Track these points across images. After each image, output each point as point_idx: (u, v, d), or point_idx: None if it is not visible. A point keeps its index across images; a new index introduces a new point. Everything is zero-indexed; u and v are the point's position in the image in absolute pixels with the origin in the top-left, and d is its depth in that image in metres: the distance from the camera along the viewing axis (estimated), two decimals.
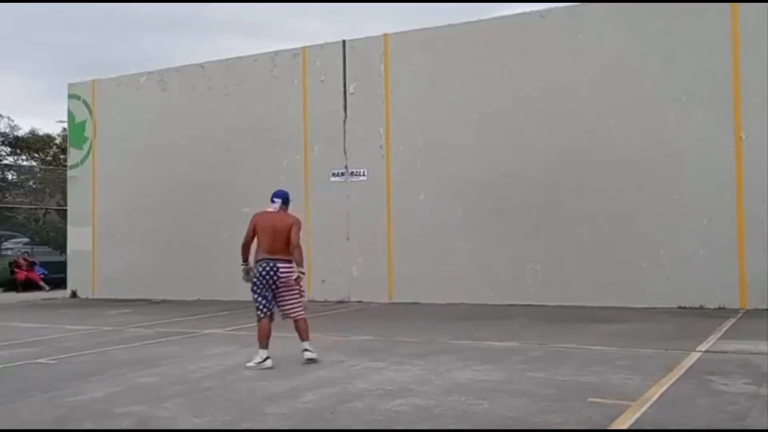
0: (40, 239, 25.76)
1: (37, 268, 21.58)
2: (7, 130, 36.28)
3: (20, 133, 36.71)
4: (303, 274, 7.83)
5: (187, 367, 7.75)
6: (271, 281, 7.70)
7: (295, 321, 7.87)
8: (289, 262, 7.75)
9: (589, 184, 13.26)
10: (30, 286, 20.68)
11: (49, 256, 23.86)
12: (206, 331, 10.69)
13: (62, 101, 19.21)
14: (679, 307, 12.19)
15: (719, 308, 11.92)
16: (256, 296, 7.76)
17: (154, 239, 17.44)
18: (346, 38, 15.54)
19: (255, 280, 7.75)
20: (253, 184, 15.82)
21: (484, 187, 14.04)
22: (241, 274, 7.99)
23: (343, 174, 15.38)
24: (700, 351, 8.01)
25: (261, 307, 7.74)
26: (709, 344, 8.49)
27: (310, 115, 15.76)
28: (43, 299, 18.28)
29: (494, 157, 13.99)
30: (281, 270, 7.69)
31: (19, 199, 30.22)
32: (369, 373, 7.15)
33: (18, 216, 27.61)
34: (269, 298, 7.75)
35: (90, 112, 18.60)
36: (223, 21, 70.36)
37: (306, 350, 7.81)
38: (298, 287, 7.85)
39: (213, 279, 16.17)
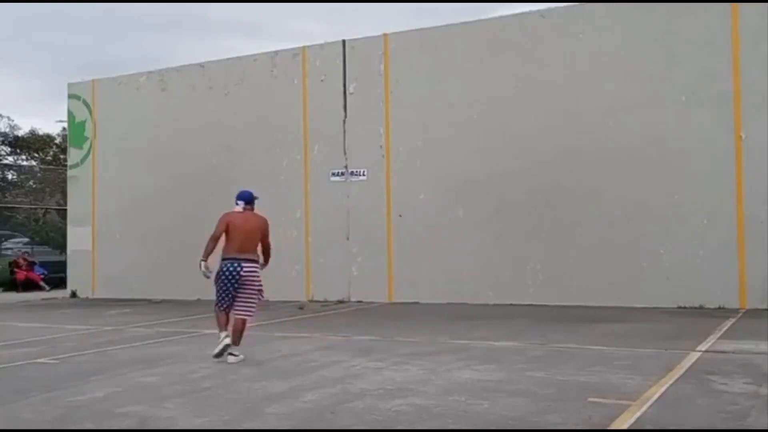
0: (40, 239, 25.75)
1: (36, 268, 21.57)
2: (7, 130, 36.32)
3: (20, 132, 36.76)
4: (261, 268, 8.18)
5: (188, 367, 7.76)
6: (234, 280, 8.05)
7: (238, 320, 8.09)
8: (254, 261, 8.11)
9: (589, 184, 13.26)
10: (30, 286, 20.68)
11: (49, 255, 23.83)
12: (206, 331, 10.68)
13: (62, 101, 19.23)
14: (679, 307, 12.19)
15: (719, 308, 11.93)
16: (219, 291, 8.17)
17: (154, 239, 17.44)
18: (345, 38, 15.55)
19: (222, 276, 8.10)
20: (253, 184, 15.64)
21: (484, 187, 14.04)
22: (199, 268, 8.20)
23: (343, 174, 15.39)
24: (700, 351, 8.01)
25: (220, 301, 8.17)
26: (709, 344, 8.49)
27: (310, 115, 15.76)
28: (43, 299, 18.28)
29: (494, 157, 13.99)
30: (245, 269, 8.03)
31: (19, 199, 30.22)
32: (369, 373, 7.15)
33: (18, 216, 27.60)
34: (230, 295, 8.11)
35: (90, 111, 18.60)
36: (223, 21, 70.35)
37: (231, 354, 7.92)
38: (257, 289, 8.11)
39: (213, 279, 16.13)
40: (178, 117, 17.33)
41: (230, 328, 8.08)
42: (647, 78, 12.90)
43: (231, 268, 8.06)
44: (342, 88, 15.46)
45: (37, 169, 35.31)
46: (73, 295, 18.43)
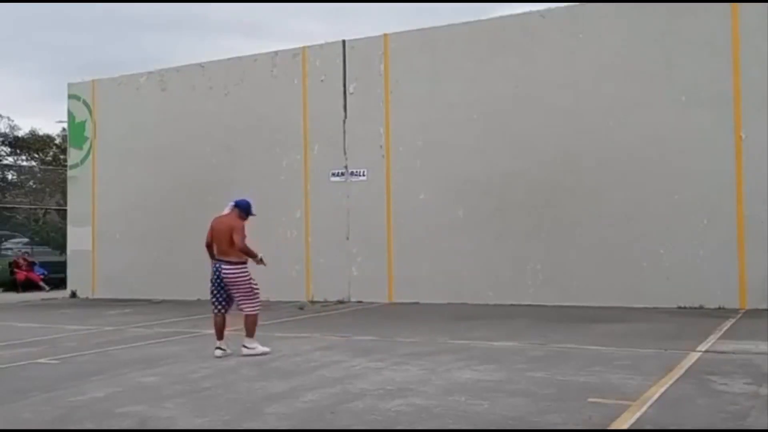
0: (40, 239, 25.76)
1: (36, 268, 21.57)
2: (7, 131, 36.34)
3: (20, 133, 36.79)
4: (260, 261, 8.39)
5: (188, 367, 7.76)
6: (218, 281, 8.37)
7: (245, 316, 8.35)
8: (233, 263, 8.27)
9: (589, 183, 13.26)
10: (30, 286, 20.67)
11: (49, 256, 23.84)
12: (206, 331, 10.67)
13: (62, 101, 19.23)
14: (679, 307, 12.19)
15: (719, 308, 11.93)
16: (210, 295, 8.51)
17: (154, 239, 17.44)
18: (345, 38, 15.56)
19: (211, 278, 8.46)
20: (253, 184, 15.82)
21: (484, 187, 14.04)
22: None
23: (343, 174, 15.39)
24: (700, 351, 8.01)
25: (211, 302, 8.50)
26: (709, 344, 8.49)
27: (310, 115, 15.77)
28: (43, 299, 18.28)
29: (494, 157, 13.99)
30: (224, 270, 8.28)
31: (19, 199, 30.23)
32: (369, 373, 7.15)
33: (18, 216, 27.61)
34: (220, 297, 8.41)
35: (90, 112, 18.60)
36: (223, 21, 70.38)
37: (244, 346, 8.30)
38: (246, 287, 8.27)
39: None
40: (178, 117, 17.33)
41: (228, 332, 8.41)
42: (647, 78, 12.90)
43: (214, 269, 8.40)
44: (342, 88, 15.46)
45: (37, 169, 35.33)
46: (73, 295, 18.43)
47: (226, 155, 16.66)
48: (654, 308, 12.20)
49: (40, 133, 37.14)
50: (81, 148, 18.71)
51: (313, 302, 14.97)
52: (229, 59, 16.92)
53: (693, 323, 10.47)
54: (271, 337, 9.67)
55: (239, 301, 8.36)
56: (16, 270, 21.15)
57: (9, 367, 8.13)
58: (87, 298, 18.05)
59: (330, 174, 15.48)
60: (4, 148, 36.68)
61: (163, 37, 67.09)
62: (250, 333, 8.37)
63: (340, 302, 14.84)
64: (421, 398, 6.02)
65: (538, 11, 13.98)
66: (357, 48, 15.41)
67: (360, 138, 15.23)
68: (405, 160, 14.81)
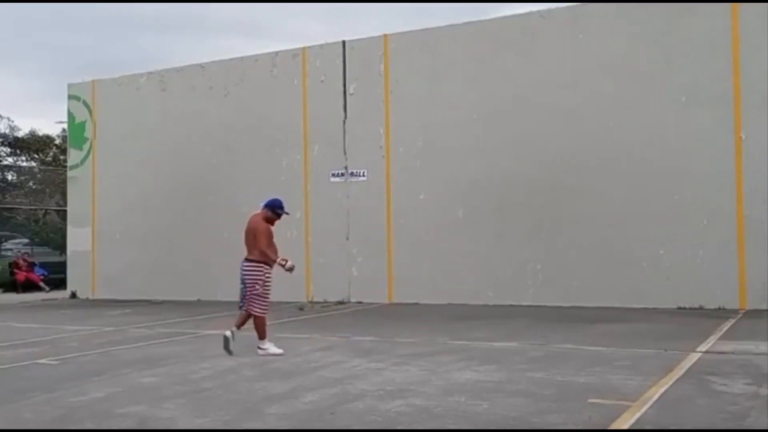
0: (40, 240, 25.76)
1: (36, 268, 21.56)
2: (7, 131, 36.34)
3: (20, 133, 36.80)
4: (282, 265, 8.42)
5: (188, 368, 7.76)
6: (240, 278, 8.57)
7: (253, 317, 8.51)
8: (250, 261, 8.47)
9: (589, 184, 13.26)
10: (30, 286, 20.67)
11: (49, 256, 23.85)
12: (207, 332, 10.69)
13: (62, 102, 19.24)
14: (679, 308, 12.19)
15: (719, 309, 11.93)
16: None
17: (154, 239, 17.44)
18: (345, 39, 15.56)
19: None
20: (253, 184, 15.84)
21: (484, 188, 14.04)
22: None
23: (343, 174, 15.39)
24: (700, 351, 8.01)
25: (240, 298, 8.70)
26: (709, 345, 8.49)
27: (310, 115, 15.77)
28: (43, 300, 18.28)
29: (494, 157, 13.99)
30: (242, 266, 8.54)
31: (18, 200, 30.25)
32: (369, 374, 7.15)
33: (18, 217, 27.61)
34: (241, 292, 8.60)
35: (90, 112, 18.60)
36: (223, 21, 70.38)
37: (258, 347, 8.47)
38: (255, 286, 8.40)
39: (214, 279, 16.17)
40: (179, 117, 17.34)
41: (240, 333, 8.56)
42: (647, 78, 12.90)
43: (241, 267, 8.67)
44: (342, 89, 15.46)
45: (37, 170, 35.35)
46: (73, 295, 18.43)
47: (226, 155, 16.67)
48: (654, 309, 12.20)
49: (40, 133, 37.17)
50: (81, 149, 18.71)
51: (313, 303, 14.96)
52: (229, 59, 16.93)
53: (693, 324, 10.47)
54: (271, 338, 9.66)
55: (248, 299, 8.47)
56: (16, 271, 21.15)
57: (10, 368, 8.13)
58: (87, 299, 18.05)
59: (330, 174, 15.48)
60: (4, 149, 36.69)
61: (163, 37, 67.11)
62: (260, 335, 8.50)
63: (340, 303, 14.83)
64: (421, 399, 6.02)
65: (539, 12, 13.98)
66: (357, 48, 15.41)
67: (360, 138, 15.23)
68: (405, 161, 14.81)
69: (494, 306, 13.37)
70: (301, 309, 13.90)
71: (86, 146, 18.62)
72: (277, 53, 16.32)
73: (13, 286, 20.82)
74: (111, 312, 14.39)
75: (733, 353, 7.87)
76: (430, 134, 14.56)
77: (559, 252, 13.44)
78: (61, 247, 21.79)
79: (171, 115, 17.45)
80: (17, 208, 28.09)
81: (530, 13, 14.06)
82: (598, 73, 13.29)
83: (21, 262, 21.46)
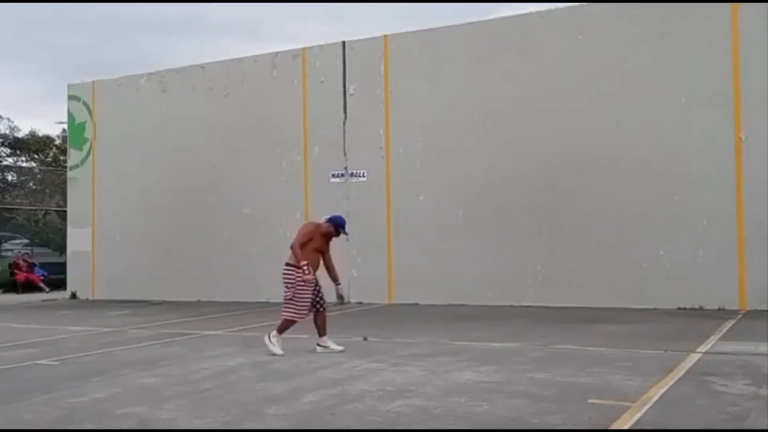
0: (40, 240, 25.77)
1: (36, 269, 21.57)
2: (7, 132, 36.35)
3: (20, 134, 36.82)
4: (305, 273, 8.33)
5: (188, 368, 7.75)
6: None
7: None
8: (288, 264, 8.39)
9: (589, 184, 13.26)
10: (30, 287, 20.67)
11: (49, 257, 23.86)
12: (207, 333, 10.69)
13: (62, 102, 19.25)
14: (679, 308, 12.19)
15: (719, 309, 11.92)
16: None
17: (154, 240, 17.44)
18: (345, 39, 15.57)
19: None
20: (253, 184, 15.84)
21: (484, 188, 14.04)
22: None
23: (342, 175, 15.39)
24: (700, 352, 8.00)
25: None
26: (709, 345, 8.49)
27: (310, 116, 15.77)
28: (43, 300, 18.28)
29: (494, 158, 13.99)
30: (283, 269, 8.42)
31: (18, 201, 30.27)
32: (369, 374, 7.15)
33: (18, 217, 27.63)
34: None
35: (90, 113, 18.61)
36: (223, 22, 70.41)
37: (268, 337, 8.42)
38: (290, 288, 8.35)
39: (214, 280, 16.18)
40: (179, 118, 17.34)
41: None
42: (647, 78, 12.90)
43: None
44: (342, 90, 15.46)
45: (37, 170, 35.36)
46: (73, 296, 18.43)
47: (226, 156, 16.67)
48: (654, 309, 12.19)
49: (40, 134, 37.19)
50: (81, 149, 18.71)
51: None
52: (229, 60, 16.93)
53: (693, 324, 10.47)
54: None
55: (283, 300, 8.44)
56: (16, 271, 21.16)
57: (10, 368, 8.13)
58: (87, 299, 18.05)
59: (330, 175, 15.48)
60: (4, 149, 36.70)
61: (163, 38, 67.14)
62: (279, 328, 8.44)
63: (340, 303, 14.79)
64: (421, 399, 6.02)
65: (538, 12, 13.98)
66: (357, 49, 15.41)
67: (360, 139, 15.23)
68: (405, 161, 14.81)
69: (494, 306, 13.37)
70: None
71: (86, 147, 18.62)
72: (277, 54, 16.32)
73: (13, 287, 20.83)
74: (111, 312, 14.39)
75: (733, 354, 7.87)
76: (430, 135, 14.56)
77: (559, 252, 13.44)
78: (61, 248, 21.80)
79: (171, 115, 17.45)
80: (17, 209, 28.10)
81: (530, 14, 14.06)
82: (598, 73, 13.29)
83: (21, 262, 21.47)
